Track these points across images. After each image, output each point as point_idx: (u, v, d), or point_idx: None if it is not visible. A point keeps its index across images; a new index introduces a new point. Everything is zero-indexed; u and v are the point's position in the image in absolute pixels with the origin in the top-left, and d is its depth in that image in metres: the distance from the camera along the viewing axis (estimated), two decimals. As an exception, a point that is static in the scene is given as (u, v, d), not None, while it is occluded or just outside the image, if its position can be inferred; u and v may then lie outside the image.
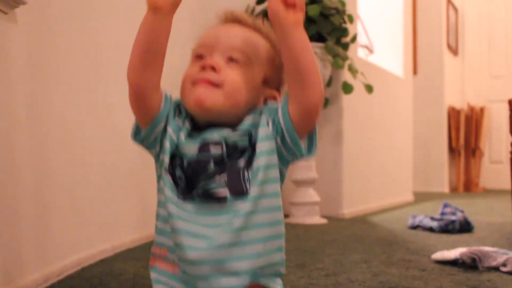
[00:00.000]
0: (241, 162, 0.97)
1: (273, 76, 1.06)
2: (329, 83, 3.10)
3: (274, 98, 1.05)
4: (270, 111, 0.99)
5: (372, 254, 1.92)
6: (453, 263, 1.72)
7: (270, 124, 0.98)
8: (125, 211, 2.02)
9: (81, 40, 1.74)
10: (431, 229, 2.57)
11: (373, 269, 1.66)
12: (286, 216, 2.96)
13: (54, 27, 1.58)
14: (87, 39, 1.77)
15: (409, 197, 4.41)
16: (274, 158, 0.98)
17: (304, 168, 2.95)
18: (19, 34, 1.38)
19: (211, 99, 0.97)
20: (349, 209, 3.27)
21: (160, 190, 1.00)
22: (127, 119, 1.12)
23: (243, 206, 0.94)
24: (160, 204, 1.00)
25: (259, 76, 1.03)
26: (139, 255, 1.83)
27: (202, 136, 0.99)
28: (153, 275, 1.01)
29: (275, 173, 0.98)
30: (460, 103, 6.11)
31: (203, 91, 0.97)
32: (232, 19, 1.08)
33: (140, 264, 1.69)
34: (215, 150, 0.97)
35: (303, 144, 0.99)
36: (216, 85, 0.98)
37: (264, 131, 0.97)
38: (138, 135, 1.02)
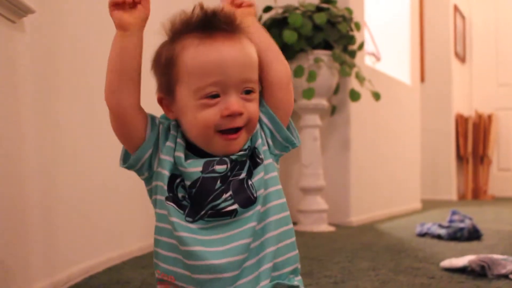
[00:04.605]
0: (243, 174, 0.98)
1: None
2: (336, 91, 3.10)
3: None
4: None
5: (380, 262, 1.91)
6: (462, 270, 1.71)
7: (260, 129, 1.02)
8: (132, 219, 2.02)
9: (89, 48, 1.74)
10: (439, 237, 2.56)
11: (381, 277, 1.66)
12: (294, 224, 2.94)
13: (62, 36, 1.59)
14: (96, 47, 1.78)
15: (417, 205, 4.40)
16: (270, 161, 1.01)
17: (311, 176, 2.95)
18: (27, 43, 1.38)
19: (240, 144, 0.98)
20: (356, 217, 3.26)
21: (161, 218, 0.98)
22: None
23: (254, 213, 0.95)
24: (163, 231, 0.98)
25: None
26: (147, 263, 1.83)
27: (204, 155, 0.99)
28: None
29: (273, 174, 1.01)
30: (467, 111, 6.09)
31: (235, 142, 0.97)
32: (216, 26, 0.96)
33: (147, 272, 1.69)
34: (220, 168, 0.97)
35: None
36: (242, 127, 0.97)
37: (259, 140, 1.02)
38: (126, 161, 1.00)
